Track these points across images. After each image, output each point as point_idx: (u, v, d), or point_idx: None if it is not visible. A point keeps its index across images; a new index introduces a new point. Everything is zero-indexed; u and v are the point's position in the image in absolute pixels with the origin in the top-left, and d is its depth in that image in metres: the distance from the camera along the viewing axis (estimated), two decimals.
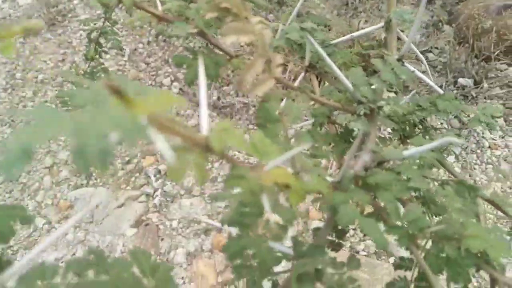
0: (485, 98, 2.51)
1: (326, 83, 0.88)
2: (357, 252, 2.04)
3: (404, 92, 0.93)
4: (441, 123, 2.41)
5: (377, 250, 2.01)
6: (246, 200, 0.44)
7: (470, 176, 2.23)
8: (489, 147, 2.31)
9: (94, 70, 2.15)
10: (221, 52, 0.69)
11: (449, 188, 0.65)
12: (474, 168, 2.22)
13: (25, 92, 2.68)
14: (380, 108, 0.69)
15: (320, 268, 0.61)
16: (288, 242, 0.65)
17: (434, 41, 2.71)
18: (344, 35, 0.90)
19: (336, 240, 0.74)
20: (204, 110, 0.42)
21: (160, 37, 2.91)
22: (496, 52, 2.47)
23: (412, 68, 0.72)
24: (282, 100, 0.65)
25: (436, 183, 0.69)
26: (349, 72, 0.73)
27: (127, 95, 0.32)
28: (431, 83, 0.76)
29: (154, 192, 2.20)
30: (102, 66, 2.19)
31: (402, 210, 0.61)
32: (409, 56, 2.80)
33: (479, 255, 0.61)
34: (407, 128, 0.82)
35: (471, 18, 2.50)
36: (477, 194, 0.66)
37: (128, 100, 0.32)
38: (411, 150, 0.64)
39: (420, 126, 0.82)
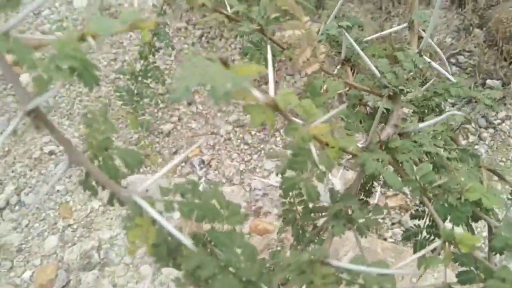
0: None
1: (359, 74, 1.05)
2: (385, 239, 2.19)
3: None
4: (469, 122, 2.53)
5: (402, 237, 2.14)
6: (298, 145, 0.62)
7: None
8: None
9: (148, 68, 2.38)
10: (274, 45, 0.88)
11: (454, 154, 0.81)
12: (500, 165, 2.33)
13: (81, 88, 2.94)
14: (401, 91, 0.86)
15: (350, 214, 0.79)
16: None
17: (463, 44, 2.83)
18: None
19: (364, 198, 0.92)
20: (271, 81, 0.60)
21: (203, 38, 3.13)
22: None
23: (428, 60, 0.89)
24: (325, 82, 0.83)
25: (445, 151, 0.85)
26: (377, 63, 0.90)
27: (230, 64, 0.51)
28: (444, 72, 0.92)
29: (199, 180, 2.41)
30: (154, 64, 2.42)
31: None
32: (441, 59, 2.92)
33: (478, 207, 0.78)
34: (426, 111, 0.99)
35: (500, 22, 2.62)
36: (478, 160, 0.82)
37: (231, 67, 0.51)
38: (425, 123, 0.81)
39: (436, 110, 0.99)
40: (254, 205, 2.36)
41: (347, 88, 0.94)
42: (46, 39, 0.54)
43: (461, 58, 2.90)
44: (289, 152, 0.75)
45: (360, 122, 0.94)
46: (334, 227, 0.73)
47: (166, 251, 0.59)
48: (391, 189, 2.30)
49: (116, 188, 0.60)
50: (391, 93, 0.87)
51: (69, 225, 2.35)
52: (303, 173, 0.72)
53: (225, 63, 0.50)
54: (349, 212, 0.79)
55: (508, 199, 0.90)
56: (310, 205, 0.84)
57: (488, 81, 2.64)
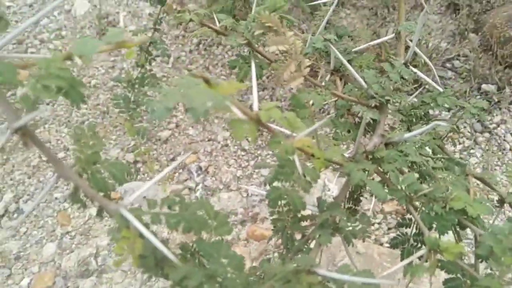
0: (509, 103, 2.64)
1: (349, 83, 1.07)
2: (381, 244, 2.20)
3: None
4: (464, 127, 2.55)
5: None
6: (282, 157, 0.63)
7: None
8: (510, 149, 2.43)
9: (144, 75, 2.40)
10: (262, 58, 0.90)
11: (440, 163, 0.82)
12: (495, 169, 2.35)
13: None
14: (387, 101, 0.87)
15: (337, 223, 0.80)
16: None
17: (459, 49, 2.84)
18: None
19: (353, 207, 0.93)
20: (255, 95, 0.62)
21: (201, 46, 3.15)
22: None
23: (415, 70, 0.91)
24: (310, 94, 0.85)
25: (431, 160, 0.87)
26: (364, 73, 0.92)
27: (212, 82, 0.52)
28: (431, 82, 0.93)
29: (196, 186, 2.43)
30: (151, 72, 2.44)
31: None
32: (436, 64, 2.94)
33: (463, 215, 0.79)
34: (414, 120, 1.00)
35: (494, 27, 2.64)
36: (464, 168, 0.83)
37: (213, 85, 0.52)
38: (411, 133, 0.82)
39: (424, 119, 1.00)
40: (251, 211, 2.37)
41: (335, 99, 0.95)
42: (33, 58, 0.56)
43: (456, 63, 2.91)
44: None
45: (349, 131, 0.95)
46: (321, 237, 0.75)
47: (154, 262, 0.61)
48: None
49: (103, 201, 0.61)
50: (378, 104, 0.88)
51: (67, 232, 2.37)
52: (290, 184, 0.73)
53: (207, 81, 0.52)
54: (337, 220, 0.80)
55: (496, 206, 0.91)
56: (299, 214, 0.85)
57: (484, 86, 2.66)
